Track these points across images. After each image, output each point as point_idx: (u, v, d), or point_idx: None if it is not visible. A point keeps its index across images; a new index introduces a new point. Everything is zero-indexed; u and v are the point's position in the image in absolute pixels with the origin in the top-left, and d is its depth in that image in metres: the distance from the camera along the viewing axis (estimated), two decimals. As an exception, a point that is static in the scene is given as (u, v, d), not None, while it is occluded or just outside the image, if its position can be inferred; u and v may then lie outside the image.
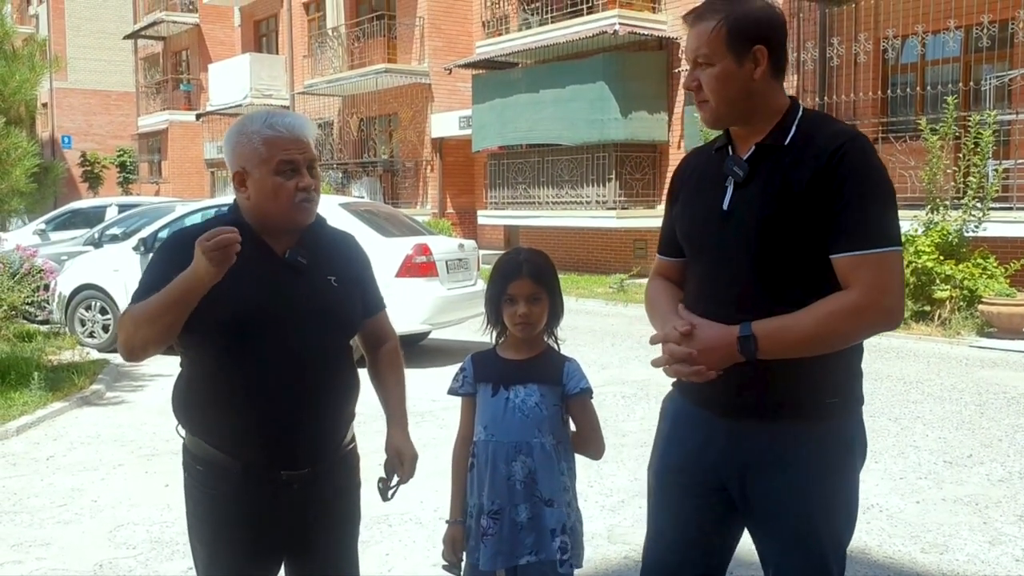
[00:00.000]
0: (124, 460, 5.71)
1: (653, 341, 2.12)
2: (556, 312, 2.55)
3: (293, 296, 2.19)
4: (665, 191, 2.44)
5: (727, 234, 2.08)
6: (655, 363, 2.12)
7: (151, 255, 2.28)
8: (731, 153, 2.14)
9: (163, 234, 9.48)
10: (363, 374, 2.42)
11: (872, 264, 1.95)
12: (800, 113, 2.10)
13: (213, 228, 2.19)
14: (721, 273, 2.09)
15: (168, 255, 2.20)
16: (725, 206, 2.09)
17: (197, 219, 8.54)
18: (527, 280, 2.48)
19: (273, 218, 2.20)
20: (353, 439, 2.43)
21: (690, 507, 2.22)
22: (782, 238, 2.01)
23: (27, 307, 9.80)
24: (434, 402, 6.86)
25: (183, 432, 2.30)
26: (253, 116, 2.23)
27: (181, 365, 2.29)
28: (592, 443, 2.58)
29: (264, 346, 2.14)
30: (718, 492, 2.18)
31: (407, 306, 8.65)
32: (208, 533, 2.26)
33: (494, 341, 2.60)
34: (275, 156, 2.16)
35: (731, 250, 2.07)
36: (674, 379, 2.21)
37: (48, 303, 10.10)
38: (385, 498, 2.39)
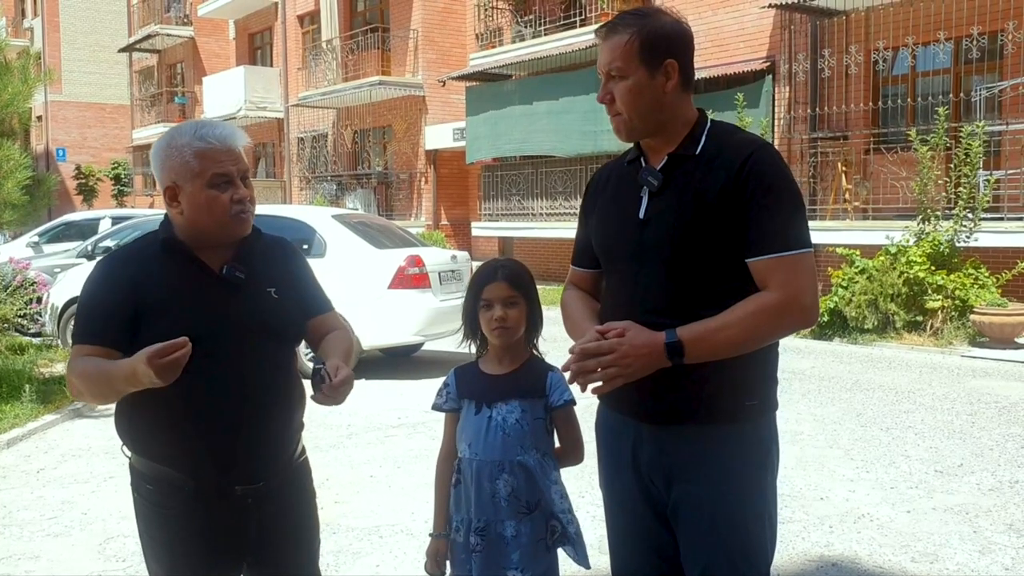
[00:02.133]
0: (115, 472, 5.69)
1: (578, 352, 2.05)
2: (535, 321, 2.54)
3: (233, 313, 2.15)
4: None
5: (644, 242, 2.13)
6: (566, 367, 2.09)
7: (86, 279, 2.23)
8: (644, 164, 2.20)
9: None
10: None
11: (788, 266, 2.03)
12: (709, 124, 2.17)
13: (145, 249, 2.17)
14: (640, 280, 2.13)
15: (102, 279, 2.17)
16: (641, 215, 2.15)
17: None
18: (502, 283, 2.48)
19: (209, 232, 2.16)
20: (304, 451, 2.41)
21: (638, 514, 2.25)
22: (698, 243, 2.07)
23: (19, 319, 9.78)
24: (426, 413, 6.84)
25: (128, 452, 2.26)
26: (182, 128, 2.19)
27: None
28: (572, 455, 2.58)
29: (207, 364, 2.09)
30: (656, 494, 2.21)
31: (400, 318, 8.66)
32: (163, 553, 2.22)
33: (475, 354, 2.59)
34: (208, 169, 2.11)
35: (649, 257, 2.12)
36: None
37: (41, 315, 10.09)
38: (318, 387, 2.14)
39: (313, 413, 2.41)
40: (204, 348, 2.09)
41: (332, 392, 2.10)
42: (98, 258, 11.11)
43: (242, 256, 2.21)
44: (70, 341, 9.73)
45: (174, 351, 1.89)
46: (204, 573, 2.21)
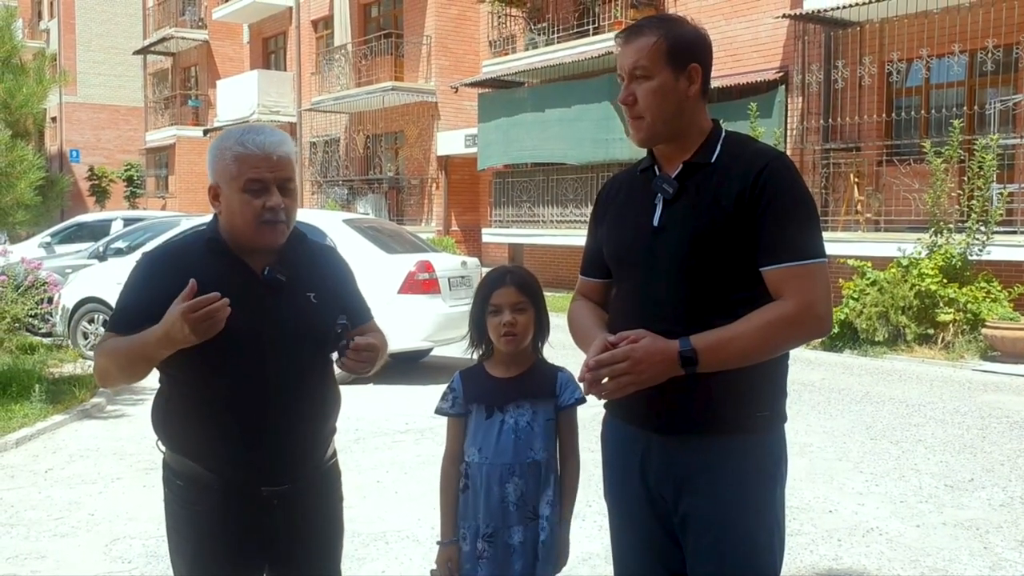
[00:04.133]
0: (123, 474, 5.70)
1: (592, 364, 2.02)
2: (542, 327, 2.53)
3: (271, 315, 2.17)
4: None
5: (658, 249, 2.12)
6: (581, 378, 2.06)
7: (129, 273, 2.26)
8: (658, 172, 2.19)
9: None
10: (342, 389, 2.40)
11: (803, 276, 2.03)
12: (724, 134, 2.17)
13: (189, 246, 2.20)
14: (653, 288, 2.12)
15: (144, 274, 2.20)
16: (656, 222, 2.14)
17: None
18: (512, 288, 2.47)
19: (241, 236, 2.18)
20: (334, 454, 2.41)
21: (645, 526, 2.23)
22: (712, 251, 2.06)
23: (30, 319, 9.84)
24: (433, 419, 6.83)
25: (163, 447, 2.28)
26: (231, 131, 2.21)
27: (160, 381, 2.28)
28: (568, 457, 2.55)
29: (243, 364, 2.13)
30: (664, 506, 2.19)
31: (409, 323, 8.65)
32: (188, 548, 2.24)
33: (478, 359, 2.58)
34: (244, 174, 2.13)
35: (662, 265, 2.11)
36: (604, 402, 2.24)
37: (51, 316, 10.13)
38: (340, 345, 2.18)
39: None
40: (240, 348, 2.11)
41: (356, 355, 2.13)
42: (111, 258, 11.15)
43: (285, 260, 2.23)
44: (80, 342, 9.90)
45: (207, 305, 1.93)
46: (226, 571, 2.22)
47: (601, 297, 2.36)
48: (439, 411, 2.58)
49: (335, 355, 2.20)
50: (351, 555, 4.27)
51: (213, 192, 2.19)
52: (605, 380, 2.01)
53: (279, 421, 2.18)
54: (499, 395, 2.48)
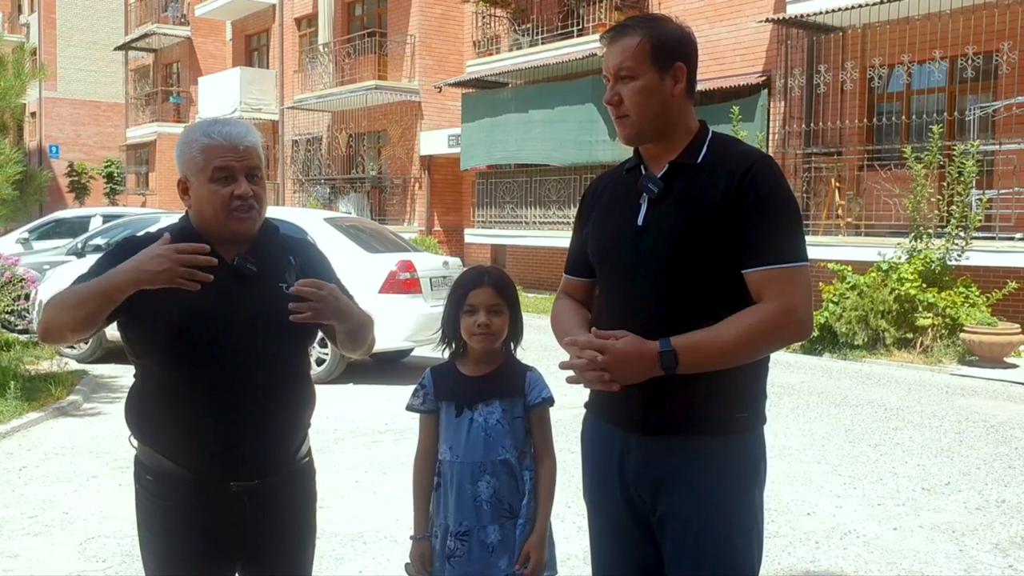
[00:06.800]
0: (98, 472, 5.64)
1: (569, 343, 2.09)
2: (516, 329, 2.54)
3: (241, 304, 2.16)
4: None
5: (642, 249, 2.12)
6: (563, 366, 2.09)
7: (99, 257, 2.24)
8: (644, 172, 2.19)
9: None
10: (322, 389, 2.37)
11: (785, 279, 2.03)
12: (711, 135, 2.18)
13: (166, 237, 2.15)
14: (635, 288, 2.12)
15: (115, 254, 2.17)
16: (640, 222, 2.14)
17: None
18: (489, 289, 2.47)
19: (212, 227, 2.18)
20: (309, 452, 2.39)
21: (623, 526, 2.23)
22: (695, 253, 2.06)
23: (7, 316, 9.74)
24: (413, 420, 6.82)
25: (135, 442, 2.26)
26: (197, 124, 2.22)
27: (135, 375, 2.26)
28: (543, 458, 2.54)
29: (213, 354, 2.12)
30: (642, 506, 2.19)
31: (390, 322, 8.62)
32: (158, 545, 2.22)
33: (449, 357, 2.58)
34: (210, 163, 2.14)
35: (645, 265, 2.11)
36: (586, 401, 2.26)
37: (28, 312, 10.03)
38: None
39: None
40: (211, 337, 2.11)
41: (303, 291, 2.09)
42: (89, 255, 11.10)
43: (257, 250, 2.23)
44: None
45: (194, 252, 1.98)
46: (196, 568, 2.20)
47: (585, 296, 2.37)
48: (410, 407, 2.59)
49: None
50: (329, 555, 4.25)
51: (183, 186, 2.19)
52: (573, 374, 2.02)
53: (251, 413, 2.16)
54: (468, 393, 2.49)
